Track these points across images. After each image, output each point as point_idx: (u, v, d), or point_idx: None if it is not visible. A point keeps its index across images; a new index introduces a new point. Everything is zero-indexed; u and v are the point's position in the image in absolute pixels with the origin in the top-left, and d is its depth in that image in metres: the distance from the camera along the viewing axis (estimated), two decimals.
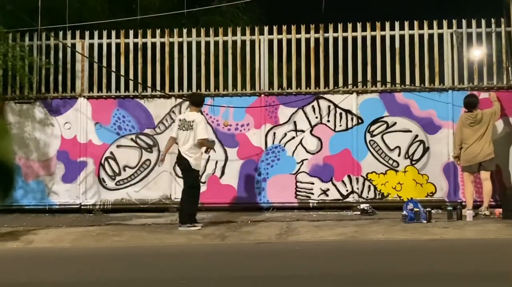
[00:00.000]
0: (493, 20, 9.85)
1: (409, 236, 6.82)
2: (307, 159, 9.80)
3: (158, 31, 10.19)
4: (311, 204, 9.72)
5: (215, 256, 5.40)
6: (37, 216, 9.45)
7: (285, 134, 9.83)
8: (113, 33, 10.20)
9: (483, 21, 9.84)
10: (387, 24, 9.91)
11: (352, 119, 9.78)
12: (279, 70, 10.56)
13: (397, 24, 9.89)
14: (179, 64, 10.11)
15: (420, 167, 9.65)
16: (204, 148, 8.04)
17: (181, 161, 7.95)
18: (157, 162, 9.32)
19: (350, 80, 9.85)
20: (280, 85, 10.05)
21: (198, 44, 10.16)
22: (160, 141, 9.94)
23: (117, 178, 9.98)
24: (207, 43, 10.17)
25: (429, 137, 9.67)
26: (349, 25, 9.94)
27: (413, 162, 9.68)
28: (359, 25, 9.94)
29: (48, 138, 10.05)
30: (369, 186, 9.69)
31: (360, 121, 9.77)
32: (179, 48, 10.19)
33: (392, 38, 9.88)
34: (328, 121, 9.81)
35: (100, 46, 10.25)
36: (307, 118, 9.82)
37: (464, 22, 9.86)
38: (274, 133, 9.85)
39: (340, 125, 9.80)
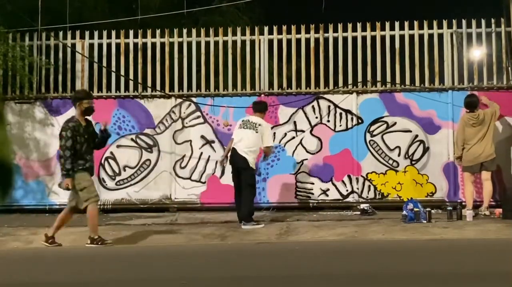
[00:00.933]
0: (493, 20, 9.85)
1: (409, 236, 6.81)
2: (307, 159, 9.79)
3: (158, 31, 10.19)
4: (311, 204, 9.72)
5: (215, 256, 5.41)
6: (37, 216, 9.45)
7: (285, 134, 9.83)
8: (113, 33, 10.20)
9: (483, 21, 9.84)
10: (387, 24, 9.91)
11: (352, 119, 9.77)
12: (279, 70, 10.56)
13: (397, 24, 9.89)
14: (179, 64, 10.11)
15: (420, 167, 9.65)
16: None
17: (237, 159, 7.97)
18: (220, 163, 8.88)
19: (350, 80, 9.85)
20: (280, 85, 10.05)
21: (198, 44, 10.16)
22: (160, 141, 9.94)
23: (117, 178, 9.98)
24: (207, 43, 10.17)
25: (429, 137, 9.67)
26: (349, 25, 9.94)
27: (413, 162, 9.68)
28: (359, 25, 9.94)
29: (48, 138, 10.05)
30: (369, 186, 9.68)
31: (360, 121, 9.76)
32: (179, 48, 10.19)
33: (392, 38, 9.88)
34: (328, 121, 9.81)
35: (100, 46, 10.25)
36: (307, 118, 9.82)
37: (464, 22, 9.87)
38: (274, 133, 9.84)
39: (340, 125, 9.79)
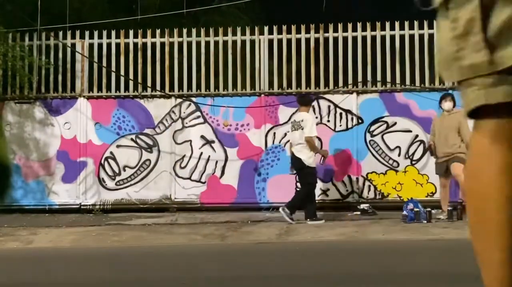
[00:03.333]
0: None
1: (409, 236, 6.81)
2: None
3: (158, 31, 10.19)
4: None
5: (215, 256, 5.40)
6: (37, 216, 9.45)
7: (285, 134, 9.82)
8: (113, 33, 10.20)
9: None
10: (387, 24, 9.92)
11: (352, 119, 9.78)
12: (279, 70, 10.56)
13: (397, 24, 9.90)
14: (179, 64, 10.12)
15: (420, 167, 9.65)
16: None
17: (295, 161, 8.15)
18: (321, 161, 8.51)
19: (350, 80, 9.85)
20: (280, 85, 10.05)
21: (198, 44, 10.16)
22: (160, 141, 9.95)
23: (117, 178, 9.98)
24: (207, 43, 10.17)
25: (429, 137, 9.66)
26: (349, 25, 9.94)
27: (413, 162, 9.68)
28: (359, 25, 9.94)
29: (48, 138, 10.05)
30: (369, 186, 9.69)
31: (360, 121, 9.77)
32: (179, 48, 10.20)
33: (392, 38, 9.88)
34: (328, 121, 9.81)
35: (100, 46, 10.25)
36: None
37: None
38: (274, 133, 9.85)
39: (340, 125, 9.80)
